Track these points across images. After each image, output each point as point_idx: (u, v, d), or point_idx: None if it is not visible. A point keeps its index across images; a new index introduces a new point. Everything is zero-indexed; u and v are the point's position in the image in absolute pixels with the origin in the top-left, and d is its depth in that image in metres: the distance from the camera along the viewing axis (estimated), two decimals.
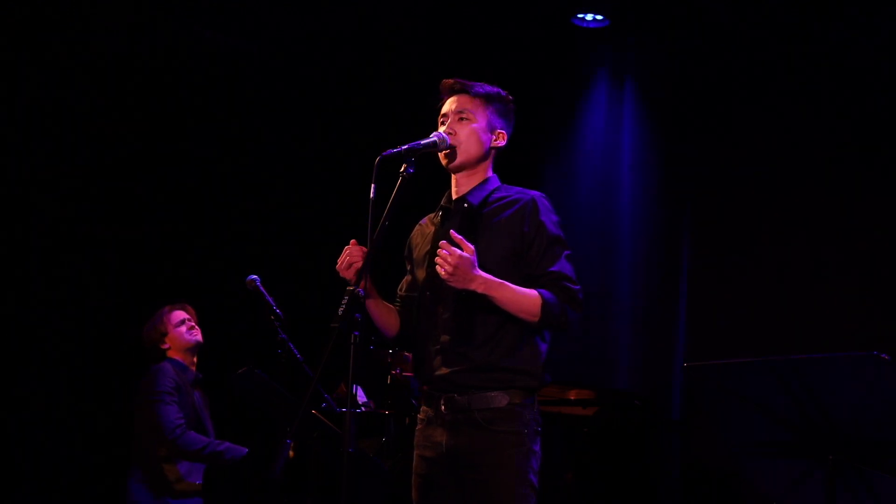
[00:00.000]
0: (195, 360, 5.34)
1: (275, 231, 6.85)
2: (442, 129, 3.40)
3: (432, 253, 3.33)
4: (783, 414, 3.03)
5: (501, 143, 3.44)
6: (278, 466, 3.97)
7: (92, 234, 6.25)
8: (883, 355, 2.78)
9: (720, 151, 6.16)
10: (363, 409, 5.30)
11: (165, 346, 5.29)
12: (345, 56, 6.70)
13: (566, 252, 3.33)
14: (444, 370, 3.30)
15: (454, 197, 3.44)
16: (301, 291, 6.44)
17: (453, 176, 3.45)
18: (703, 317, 6.06)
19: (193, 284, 6.27)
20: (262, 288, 4.72)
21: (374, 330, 3.50)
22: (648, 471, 5.46)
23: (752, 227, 5.96)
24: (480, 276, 3.16)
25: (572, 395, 5.49)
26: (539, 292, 3.22)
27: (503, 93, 3.47)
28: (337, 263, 3.25)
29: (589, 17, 6.18)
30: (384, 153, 3.21)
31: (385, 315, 3.45)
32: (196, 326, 5.34)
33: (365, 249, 3.21)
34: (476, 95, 3.42)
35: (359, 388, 5.40)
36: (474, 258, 3.15)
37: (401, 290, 3.56)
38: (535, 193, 3.40)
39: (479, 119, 3.40)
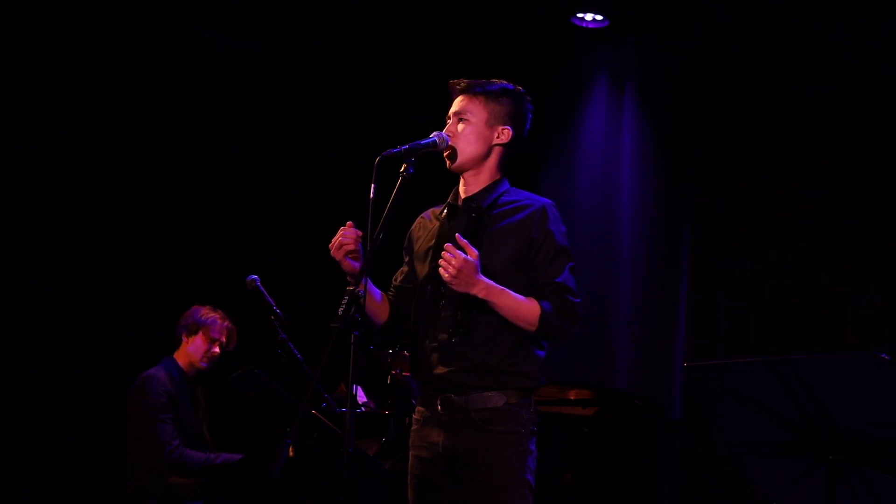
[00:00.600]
0: (196, 371, 5.31)
1: (275, 231, 6.85)
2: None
3: (436, 249, 3.33)
4: (783, 414, 3.03)
5: (504, 139, 3.41)
6: (278, 466, 3.97)
7: (91, 234, 6.25)
8: (883, 355, 2.78)
9: (721, 153, 6.15)
10: (363, 409, 5.30)
11: (184, 342, 5.25)
12: (345, 56, 6.70)
13: (571, 264, 3.33)
14: (441, 369, 3.30)
15: (462, 196, 3.44)
16: (301, 291, 6.45)
17: (462, 176, 3.45)
18: (703, 317, 6.05)
19: (193, 284, 6.27)
20: (262, 288, 4.72)
21: (370, 325, 3.49)
22: (648, 471, 5.45)
23: (752, 228, 5.95)
24: (483, 282, 3.17)
25: (572, 395, 5.49)
26: (539, 303, 3.23)
27: (510, 87, 3.44)
28: (330, 243, 3.24)
29: (588, 17, 6.17)
30: (384, 153, 3.21)
31: (373, 303, 3.42)
32: (218, 356, 5.30)
33: (359, 233, 3.23)
34: (476, 94, 3.41)
35: (359, 388, 5.40)
36: (478, 263, 3.15)
37: (395, 280, 3.56)
38: (546, 201, 3.40)
39: (478, 118, 3.39)
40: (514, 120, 3.42)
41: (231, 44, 6.45)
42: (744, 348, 5.68)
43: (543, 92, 6.57)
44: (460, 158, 3.38)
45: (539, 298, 3.25)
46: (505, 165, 3.46)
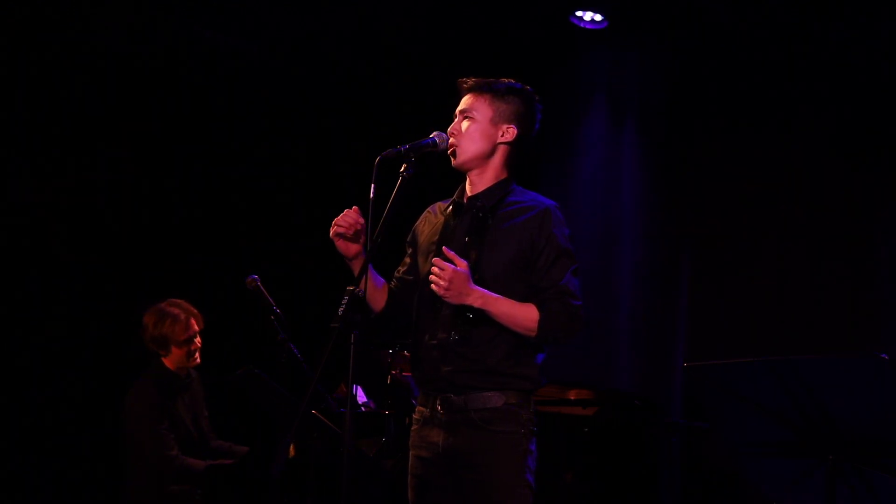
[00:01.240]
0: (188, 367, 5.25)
1: (275, 230, 6.85)
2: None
3: (439, 246, 3.34)
4: (783, 414, 3.03)
5: (510, 137, 3.40)
6: (278, 466, 3.97)
7: (91, 234, 6.25)
8: (883, 355, 2.78)
9: (721, 154, 6.16)
10: (363, 409, 5.29)
11: (161, 354, 5.13)
12: (345, 56, 6.70)
13: (574, 266, 3.31)
14: (440, 368, 3.30)
15: (468, 194, 3.44)
16: (301, 291, 6.45)
17: (468, 178, 3.45)
18: (703, 317, 6.06)
19: (193, 284, 6.27)
20: (262, 288, 4.71)
21: (373, 329, 3.49)
22: (648, 471, 5.45)
23: (752, 228, 5.96)
24: (477, 291, 3.17)
25: (572, 395, 5.49)
26: (539, 308, 3.22)
27: (517, 86, 3.43)
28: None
29: (587, 17, 6.17)
30: (384, 153, 3.21)
31: (374, 289, 3.44)
32: (199, 346, 5.17)
33: (360, 220, 3.29)
34: (483, 92, 3.41)
35: (359, 388, 5.40)
36: (469, 272, 3.15)
37: (398, 272, 3.56)
38: (551, 203, 3.38)
39: (483, 116, 3.39)
40: (520, 119, 3.42)
41: (231, 44, 6.45)
42: (744, 348, 5.68)
43: (541, 91, 6.60)
44: (464, 156, 3.38)
45: (539, 303, 3.24)
46: (511, 165, 3.44)
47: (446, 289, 3.13)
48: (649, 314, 6.28)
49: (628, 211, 6.45)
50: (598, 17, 6.17)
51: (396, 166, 3.24)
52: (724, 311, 5.97)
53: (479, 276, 3.24)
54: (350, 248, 3.35)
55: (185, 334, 5.10)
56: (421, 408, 3.39)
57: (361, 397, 5.42)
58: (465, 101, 3.43)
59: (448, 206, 3.47)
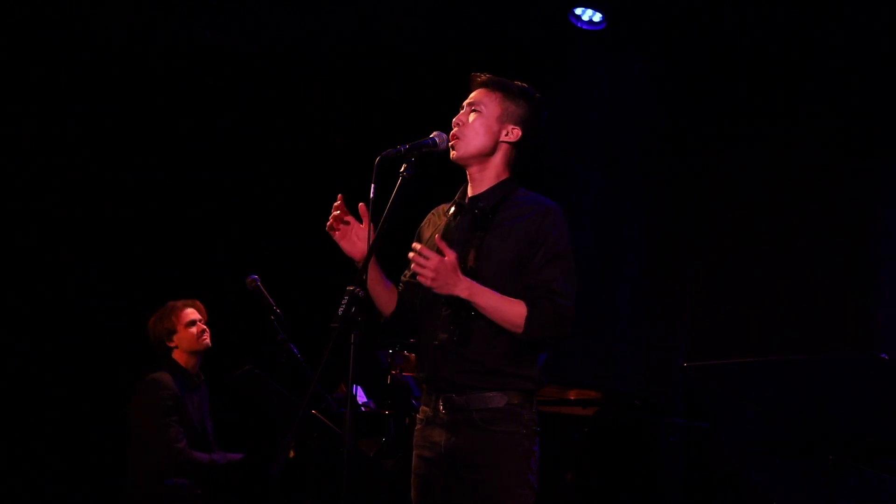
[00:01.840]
0: (199, 361, 5.29)
1: (275, 230, 6.85)
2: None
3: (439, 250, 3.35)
4: (783, 414, 3.03)
5: (513, 138, 3.38)
6: (278, 466, 3.97)
7: (91, 234, 6.25)
8: (882, 355, 2.78)
9: (720, 154, 6.16)
10: (363, 409, 5.29)
11: (172, 345, 5.22)
12: (345, 56, 6.70)
13: (569, 268, 3.27)
14: (442, 368, 3.29)
15: (470, 194, 3.43)
16: (301, 291, 6.45)
17: (468, 172, 3.44)
18: (703, 317, 6.06)
19: (193, 284, 6.27)
20: (262, 288, 4.71)
21: (372, 323, 3.49)
22: (648, 471, 5.45)
23: (752, 228, 5.96)
24: (465, 281, 3.15)
25: (572, 395, 5.48)
26: (527, 305, 3.20)
27: (529, 90, 3.43)
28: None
29: (586, 16, 6.16)
30: (384, 153, 3.21)
31: (383, 293, 3.44)
32: (207, 329, 5.28)
33: (347, 215, 3.32)
34: (494, 89, 3.40)
35: (359, 388, 5.40)
36: (455, 263, 3.13)
37: (404, 276, 3.56)
38: (552, 204, 3.36)
39: (491, 111, 3.38)
40: (525, 123, 3.40)
41: (231, 44, 6.44)
42: (744, 348, 5.68)
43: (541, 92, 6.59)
44: (465, 149, 3.37)
45: (529, 301, 3.21)
46: (513, 166, 3.43)
47: (432, 279, 3.12)
48: (649, 314, 6.28)
49: (629, 211, 6.45)
50: (597, 18, 6.16)
51: (396, 166, 3.23)
52: (724, 311, 5.97)
53: (478, 277, 3.24)
54: (356, 250, 3.34)
55: (186, 318, 5.20)
56: (424, 407, 3.39)
57: (361, 397, 5.42)
58: (475, 95, 3.42)
59: (450, 207, 3.47)
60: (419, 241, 3.52)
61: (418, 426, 3.40)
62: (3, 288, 5.94)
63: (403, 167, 3.23)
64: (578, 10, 6.15)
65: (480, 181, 3.41)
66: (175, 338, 5.20)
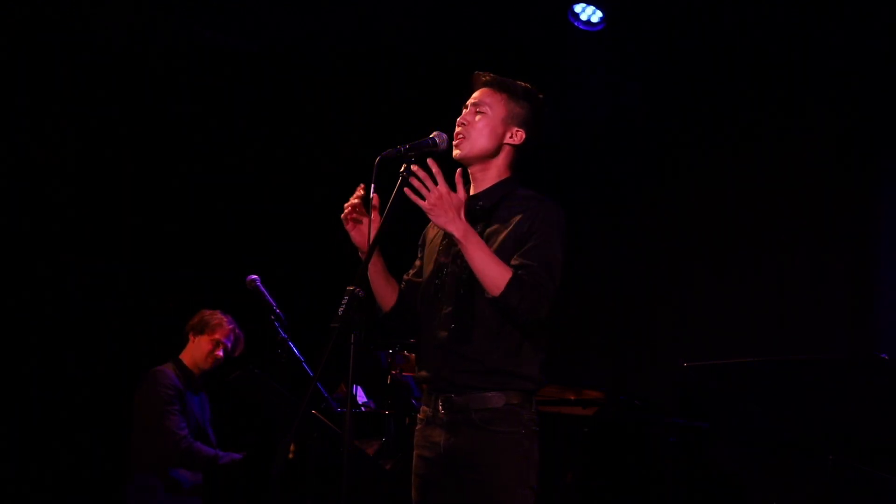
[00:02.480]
0: (201, 371, 5.35)
1: (275, 230, 6.85)
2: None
3: (440, 248, 3.36)
4: (783, 414, 3.04)
5: (517, 140, 3.39)
6: (278, 466, 3.97)
7: (91, 234, 6.25)
8: (882, 355, 2.78)
9: (720, 154, 6.16)
10: (363, 409, 5.29)
11: (190, 341, 5.32)
12: (345, 56, 6.70)
13: (555, 257, 3.24)
14: (442, 368, 3.30)
15: (471, 193, 3.43)
16: (301, 291, 6.44)
17: (469, 171, 3.44)
18: (703, 317, 6.06)
19: (194, 284, 6.27)
20: (262, 288, 4.72)
21: (372, 319, 3.49)
22: (648, 471, 5.45)
23: (752, 228, 5.96)
24: (463, 222, 3.13)
25: (572, 396, 5.48)
26: (514, 271, 3.16)
27: (533, 92, 3.43)
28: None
29: (585, 15, 6.15)
30: (384, 153, 3.21)
31: (385, 287, 3.44)
32: (222, 357, 5.36)
33: (356, 202, 3.32)
34: (499, 91, 3.40)
35: (359, 388, 5.40)
36: (461, 203, 3.12)
37: (407, 276, 3.57)
38: (550, 200, 3.36)
39: (496, 113, 3.38)
40: (529, 124, 3.41)
41: (231, 44, 6.44)
42: (744, 348, 5.68)
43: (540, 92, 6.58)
44: (469, 149, 3.37)
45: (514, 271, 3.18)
46: (515, 167, 3.43)
47: (433, 204, 3.09)
48: (649, 314, 6.28)
49: (628, 210, 6.45)
50: (596, 18, 6.15)
51: (396, 166, 3.23)
52: (724, 311, 5.97)
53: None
54: (364, 241, 3.36)
55: (222, 335, 5.34)
56: (425, 407, 3.40)
57: (361, 397, 5.41)
58: (480, 95, 3.42)
59: None
60: (424, 244, 3.53)
61: (419, 426, 3.40)
62: (3, 288, 5.94)
63: (403, 167, 3.23)
64: (578, 8, 6.15)
65: (482, 180, 3.42)
66: (195, 338, 5.30)
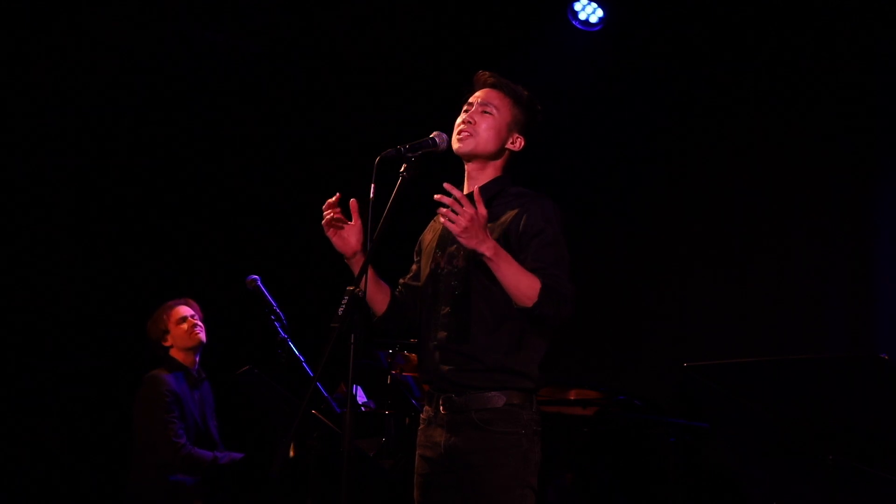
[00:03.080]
0: (197, 358, 5.33)
1: (275, 230, 6.85)
2: (463, 116, 3.40)
3: (436, 249, 3.37)
4: (783, 414, 3.03)
5: (516, 147, 3.42)
6: (278, 466, 3.97)
7: (92, 233, 6.25)
8: (882, 355, 2.78)
9: (719, 153, 6.16)
10: (363, 409, 5.29)
11: (167, 344, 5.28)
12: (345, 56, 6.70)
13: (563, 254, 3.28)
14: (442, 368, 3.30)
15: (465, 191, 3.44)
16: (301, 291, 6.44)
17: (466, 168, 3.45)
18: (703, 317, 6.05)
19: (194, 284, 6.27)
20: (262, 288, 4.72)
21: (374, 331, 3.50)
22: (648, 471, 5.45)
23: (752, 229, 5.96)
24: (492, 240, 3.12)
25: (572, 395, 5.49)
26: (541, 279, 3.17)
27: (533, 100, 3.46)
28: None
29: (584, 14, 6.15)
30: (384, 153, 3.21)
31: (376, 292, 3.44)
32: (199, 324, 5.32)
33: (333, 207, 3.30)
34: (507, 94, 3.42)
35: (359, 388, 5.40)
36: (485, 221, 3.10)
37: (403, 279, 3.57)
38: (544, 197, 3.38)
39: (503, 116, 3.40)
40: (527, 132, 3.45)
41: (231, 44, 6.44)
42: (743, 348, 5.68)
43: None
44: (472, 145, 3.37)
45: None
46: (509, 170, 3.46)
47: (465, 228, 3.06)
48: (649, 314, 6.28)
49: (628, 210, 6.45)
50: (594, 19, 6.14)
51: (396, 166, 3.23)
52: (723, 311, 5.97)
53: (475, 268, 3.24)
54: (347, 246, 3.35)
55: (176, 316, 5.27)
56: (427, 407, 3.40)
57: (361, 397, 5.41)
58: (486, 95, 3.43)
59: None
60: (420, 248, 3.54)
61: (421, 426, 3.41)
62: (4, 288, 5.95)
63: (403, 167, 3.23)
64: (578, 6, 6.15)
65: (477, 179, 3.43)
66: (169, 337, 5.30)
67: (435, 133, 3.36)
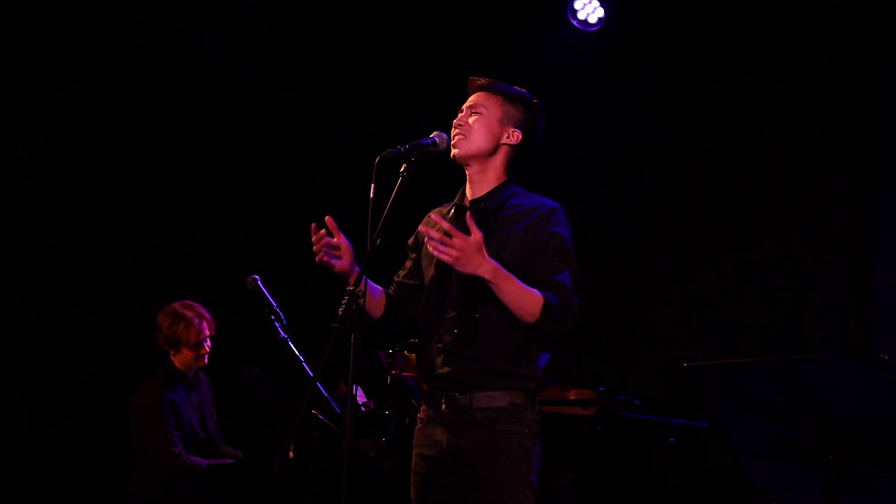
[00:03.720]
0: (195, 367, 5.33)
1: (275, 230, 6.85)
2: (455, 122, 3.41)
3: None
4: (783, 414, 3.03)
5: (513, 141, 3.42)
6: (278, 466, 3.96)
7: (92, 233, 6.25)
8: (883, 355, 2.78)
9: (719, 153, 6.16)
10: (363, 409, 5.29)
11: (171, 354, 5.25)
12: (345, 56, 6.70)
13: (572, 267, 3.29)
14: (445, 369, 3.30)
15: (469, 197, 3.43)
16: (301, 291, 6.44)
17: (467, 173, 3.45)
18: (703, 317, 6.05)
19: (194, 283, 6.27)
20: (262, 287, 4.71)
21: (372, 334, 3.50)
22: (648, 471, 5.45)
23: (752, 228, 5.96)
24: (490, 262, 3.11)
25: (572, 395, 5.49)
26: (543, 294, 3.19)
27: (528, 95, 3.47)
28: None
29: (584, 13, 6.15)
30: (384, 153, 3.21)
31: (371, 300, 3.43)
32: (207, 350, 5.29)
33: (321, 233, 3.26)
34: (495, 93, 3.44)
35: (359, 388, 5.40)
36: (481, 243, 3.09)
37: (398, 277, 3.56)
38: (554, 204, 3.39)
39: (492, 114, 3.41)
40: (525, 126, 3.44)
41: (231, 44, 6.44)
42: (743, 348, 5.68)
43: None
44: (467, 148, 3.38)
45: (542, 291, 3.22)
46: (512, 168, 3.45)
47: (456, 257, 3.06)
48: (649, 314, 6.28)
49: (627, 210, 6.45)
50: (594, 19, 6.14)
51: (396, 166, 3.23)
52: (723, 310, 5.97)
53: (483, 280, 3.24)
54: (346, 268, 3.32)
55: (196, 338, 5.24)
56: (425, 407, 3.40)
57: (361, 397, 5.41)
58: (475, 98, 3.45)
59: (450, 210, 3.47)
60: (418, 245, 3.53)
61: (419, 425, 3.41)
62: (4, 288, 5.94)
63: (403, 167, 3.23)
64: (577, 6, 6.15)
65: (480, 183, 3.43)
66: (175, 353, 5.24)
67: (435, 133, 3.37)
